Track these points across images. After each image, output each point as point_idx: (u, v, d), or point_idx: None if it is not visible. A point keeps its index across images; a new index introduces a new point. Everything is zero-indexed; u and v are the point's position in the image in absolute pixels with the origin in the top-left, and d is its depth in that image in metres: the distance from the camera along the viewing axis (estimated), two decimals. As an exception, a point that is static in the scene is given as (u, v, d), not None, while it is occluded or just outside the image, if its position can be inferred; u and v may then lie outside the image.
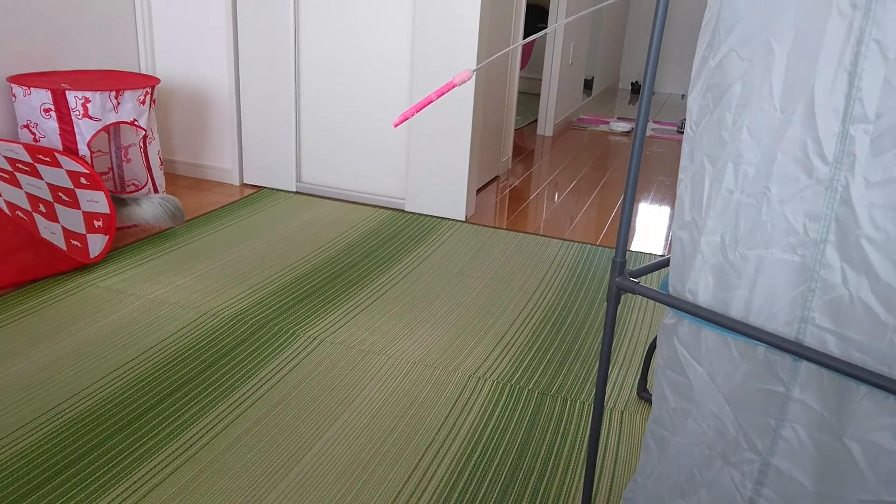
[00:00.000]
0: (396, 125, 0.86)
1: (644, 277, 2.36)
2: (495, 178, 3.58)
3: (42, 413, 1.50)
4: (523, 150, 4.22)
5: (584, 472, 1.42)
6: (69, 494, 1.28)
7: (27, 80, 2.42)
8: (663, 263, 1.16)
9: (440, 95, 0.80)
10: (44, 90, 2.30)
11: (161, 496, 1.29)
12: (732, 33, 0.86)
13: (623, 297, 2.24)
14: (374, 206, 3.00)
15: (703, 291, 0.95)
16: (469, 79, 0.83)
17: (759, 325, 0.89)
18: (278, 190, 3.14)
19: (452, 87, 0.80)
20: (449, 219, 2.88)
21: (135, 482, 1.32)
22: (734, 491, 0.99)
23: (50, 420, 1.48)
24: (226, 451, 1.42)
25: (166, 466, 1.36)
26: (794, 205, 0.84)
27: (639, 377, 1.76)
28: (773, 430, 0.92)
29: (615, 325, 1.10)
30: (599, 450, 1.49)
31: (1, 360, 1.68)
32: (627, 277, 1.04)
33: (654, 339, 1.66)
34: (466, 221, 2.87)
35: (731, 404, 0.97)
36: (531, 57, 6.33)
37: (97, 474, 1.33)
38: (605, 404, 1.64)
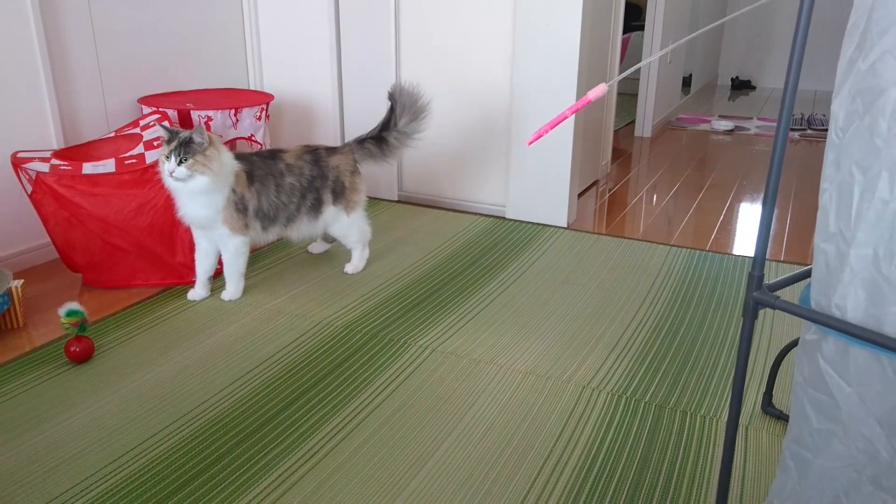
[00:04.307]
0: (530, 143, 0.85)
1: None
2: (595, 183, 3.52)
3: (175, 420, 1.59)
4: (622, 153, 4.14)
5: (709, 489, 1.37)
6: (204, 499, 1.34)
7: (155, 101, 2.58)
8: (802, 276, 1.10)
9: (575, 111, 0.79)
10: (171, 110, 2.43)
11: (290, 502, 1.33)
12: (887, 35, 0.82)
13: (739, 303, 2.15)
14: (475, 214, 3.01)
15: (852, 307, 0.90)
16: (604, 93, 0.82)
17: (919, 344, 0.83)
18: (381, 199, 3.20)
19: (588, 102, 0.79)
20: (551, 225, 2.86)
21: (265, 488, 1.37)
22: (888, 518, 0.93)
23: (183, 426, 1.56)
24: (349, 459, 1.45)
25: (293, 473, 1.41)
26: (961, 216, 0.78)
27: (763, 391, 1.69)
28: (935, 456, 0.86)
29: (751, 339, 1.06)
30: (724, 466, 1.43)
31: (135, 369, 1.79)
32: (766, 291, 1.00)
33: (780, 353, 1.59)
34: (568, 228, 2.84)
35: (884, 426, 0.92)
36: (625, 57, 6.20)
37: (229, 479, 1.40)
38: (727, 423, 1.58)
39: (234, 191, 2.05)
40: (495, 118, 2.93)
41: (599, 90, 0.82)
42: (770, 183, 0.97)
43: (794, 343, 1.55)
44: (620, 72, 6.15)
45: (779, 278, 1.04)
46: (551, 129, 0.80)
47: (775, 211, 3.10)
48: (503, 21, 2.79)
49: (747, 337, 1.03)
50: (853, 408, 0.94)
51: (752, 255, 2.57)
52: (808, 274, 1.10)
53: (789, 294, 2.20)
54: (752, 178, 3.61)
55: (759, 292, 1.00)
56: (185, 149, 1.93)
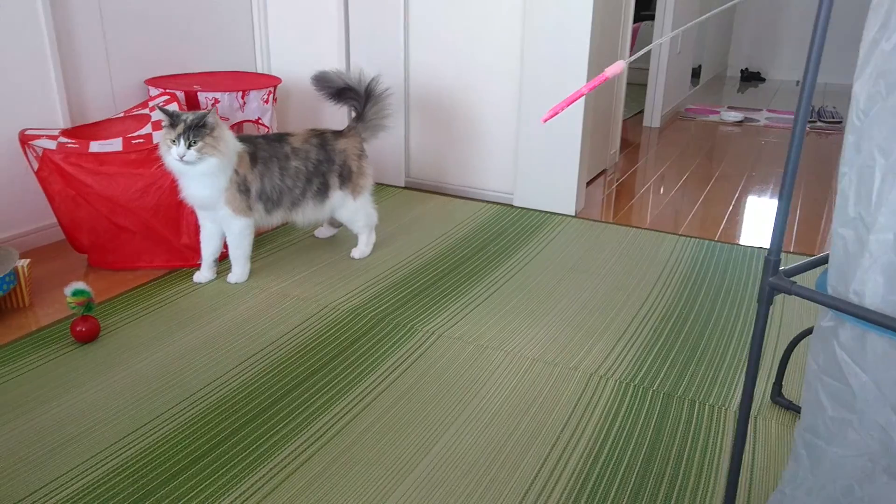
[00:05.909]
0: (545, 120, 0.84)
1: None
2: (603, 172, 3.50)
3: (181, 401, 1.58)
4: (630, 143, 4.11)
5: (717, 478, 1.36)
6: (210, 479, 1.34)
7: (162, 82, 2.56)
8: (818, 262, 1.09)
9: (591, 89, 0.77)
10: (178, 92, 2.42)
11: (296, 484, 1.33)
12: (914, 14, 0.79)
13: (748, 293, 2.13)
14: (483, 201, 2.99)
15: (870, 293, 0.88)
16: (622, 71, 0.80)
17: (940, 331, 0.82)
18: (388, 185, 3.18)
19: (605, 80, 0.77)
20: (558, 213, 2.84)
21: (270, 469, 1.36)
22: (903, 508, 0.92)
23: (188, 407, 1.55)
24: (354, 442, 1.45)
25: (299, 455, 1.40)
26: None
27: (773, 380, 1.67)
28: (953, 445, 0.85)
29: (765, 325, 1.04)
30: (733, 456, 1.42)
31: (140, 350, 1.78)
32: (782, 277, 0.98)
33: (791, 342, 1.57)
34: (576, 216, 2.82)
35: (900, 415, 0.90)
36: (635, 46, 6.15)
37: (235, 460, 1.39)
38: (739, 409, 1.57)
39: (236, 172, 2.04)
40: (504, 105, 2.90)
41: (617, 67, 0.80)
42: (788, 170, 0.95)
43: (806, 333, 1.54)
44: (630, 62, 6.10)
45: (794, 265, 1.03)
46: (567, 106, 0.79)
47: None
48: (513, 9, 2.76)
49: (762, 323, 1.02)
50: (869, 396, 0.93)
51: (761, 245, 2.55)
52: (824, 260, 1.08)
53: (802, 283, 2.18)
54: (760, 169, 3.58)
55: (775, 277, 0.98)
56: (194, 132, 1.91)
